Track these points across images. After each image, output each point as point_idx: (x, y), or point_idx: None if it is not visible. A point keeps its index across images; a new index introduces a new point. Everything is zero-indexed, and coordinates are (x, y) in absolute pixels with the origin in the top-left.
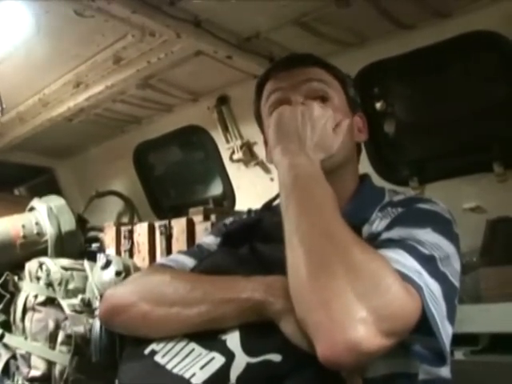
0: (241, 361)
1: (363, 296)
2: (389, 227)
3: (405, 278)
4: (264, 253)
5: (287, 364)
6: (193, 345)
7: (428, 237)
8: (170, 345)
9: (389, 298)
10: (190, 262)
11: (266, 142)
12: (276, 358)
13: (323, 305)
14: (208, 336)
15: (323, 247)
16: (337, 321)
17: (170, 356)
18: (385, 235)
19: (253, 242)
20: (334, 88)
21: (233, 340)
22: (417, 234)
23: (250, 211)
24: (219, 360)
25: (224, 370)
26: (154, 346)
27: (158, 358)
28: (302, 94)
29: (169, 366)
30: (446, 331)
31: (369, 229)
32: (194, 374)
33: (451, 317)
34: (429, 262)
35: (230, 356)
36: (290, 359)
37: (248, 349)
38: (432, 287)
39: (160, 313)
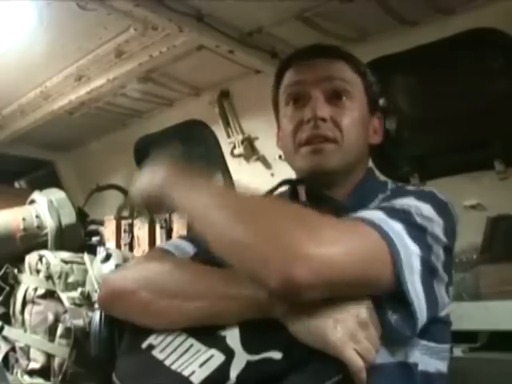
0: (241, 359)
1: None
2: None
3: (366, 221)
4: None
5: (288, 362)
6: (191, 340)
7: (407, 201)
8: (168, 339)
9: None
10: (190, 248)
11: (279, 128)
12: (276, 355)
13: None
14: (207, 331)
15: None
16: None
17: (168, 351)
18: None
19: None
20: (355, 87)
21: (232, 337)
22: (395, 201)
23: None
24: (219, 358)
25: (224, 368)
26: (151, 340)
27: (155, 353)
28: (322, 90)
29: (167, 362)
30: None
31: None
32: (193, 372)
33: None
34: (398, 212)
35: (229, 354)
36: (291, 357)
37: (248, 346)
38: (395, 227)
39: (161, 304)
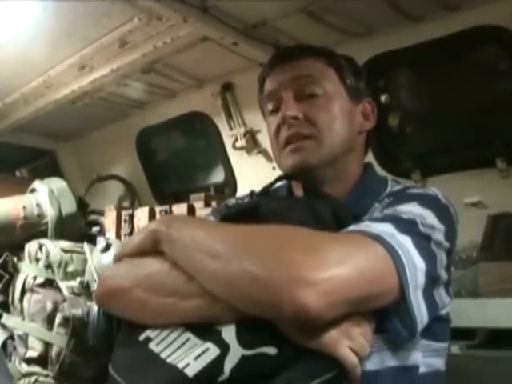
0: (235, 353)
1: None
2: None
3: (373, 236)
4: None
5: (283, 357)
6: (188, 334)
7: (411, 208)
8: (164, 332)
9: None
10: None
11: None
12: (271, 350)
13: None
14: (203, 325)
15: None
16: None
17: (165, 344)
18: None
19: None
20: (326, 78)
21: (228, 331)
22: (400, 208)
23: (252, 193)
24: (214, 351)
25: (218, 362)
26: (148, 333)
27: (152, 346)
28: (292, 90)
29: (163, 355)
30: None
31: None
32: (187, 365)
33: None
34: (405, 223)
35: (224, 347)
36: (286, 352)
37: (243, 341)
38: (403, 241)
39: (156, 302)
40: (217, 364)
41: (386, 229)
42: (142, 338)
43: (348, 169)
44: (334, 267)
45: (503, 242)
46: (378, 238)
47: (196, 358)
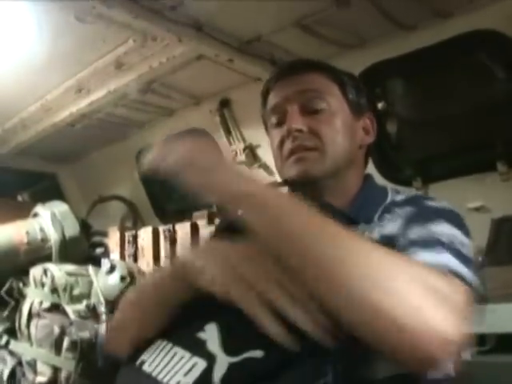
0: (222, 362)
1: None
2: (405, 229)
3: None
4: None
5: (271, 359)
6: (176, 349)
7: (444, 229)
8: (156, 352)
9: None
10: None
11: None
12: (258, 354)
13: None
14: (189, 336)
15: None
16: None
17: (156, 363)
18: (406, 238)
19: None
20: (330, 93)
21: (213, 341)
22: (433, 228)
23: None
24: (201, 365)
25: (207, 375)
26: (143, 357)
27: (145, 367)
28: (297, 104)
29: (154, 374)
30: None
31: (380, 231)
32: (178, 382)
33: None
34: (459, 254)
35: (211, 359)
36: (273, 354)
37: (228, 349)
38: (468, 276)
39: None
40: (205, 377)
41: (451, 261)
42: (138, 362)
43: (349, 181)
44: (457, 322)
45: (508, 245)
46: (461, 278)
47: (185, 374)
